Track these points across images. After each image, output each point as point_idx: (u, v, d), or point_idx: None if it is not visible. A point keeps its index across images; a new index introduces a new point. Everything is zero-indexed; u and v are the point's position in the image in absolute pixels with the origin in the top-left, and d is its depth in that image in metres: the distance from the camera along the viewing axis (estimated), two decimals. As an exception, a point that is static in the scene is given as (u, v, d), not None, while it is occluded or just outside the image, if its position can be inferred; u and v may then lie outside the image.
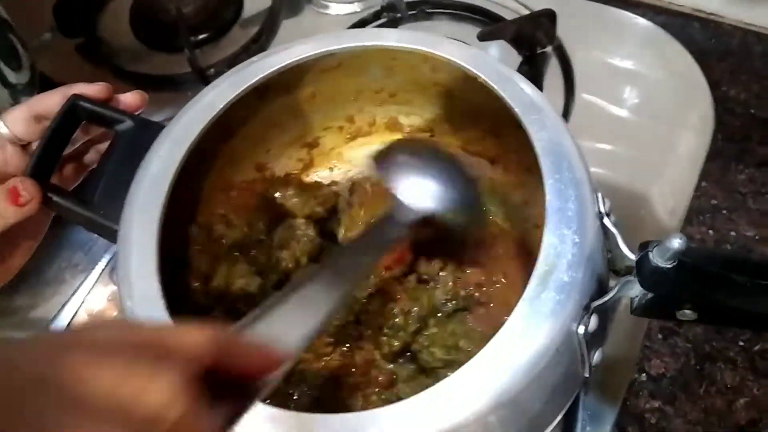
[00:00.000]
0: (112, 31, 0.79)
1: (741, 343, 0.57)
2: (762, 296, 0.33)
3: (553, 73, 0.67)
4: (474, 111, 0.49)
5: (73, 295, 0.59)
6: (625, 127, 0.65)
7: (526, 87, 0.40)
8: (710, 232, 0.63)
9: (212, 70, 0.72)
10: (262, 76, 0.44)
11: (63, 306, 0.58)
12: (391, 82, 0.52)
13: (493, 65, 0.41)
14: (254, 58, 0.46)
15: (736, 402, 0.55)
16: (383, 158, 0.45)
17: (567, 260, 0.34)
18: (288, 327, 0.29)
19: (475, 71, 0.41)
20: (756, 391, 0.55)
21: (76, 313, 0.58)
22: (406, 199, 0.41)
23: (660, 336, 0.59)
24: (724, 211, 0.64)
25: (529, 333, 0.32)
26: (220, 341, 0.25)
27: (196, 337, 0.24)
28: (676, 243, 0.31)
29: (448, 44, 0.44)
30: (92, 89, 0.45)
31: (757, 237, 0.62)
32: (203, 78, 0.71)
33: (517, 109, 0.39)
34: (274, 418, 0.32)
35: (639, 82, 0.68)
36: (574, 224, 0.35)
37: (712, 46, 0.72)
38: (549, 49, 0.67)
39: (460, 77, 0.43)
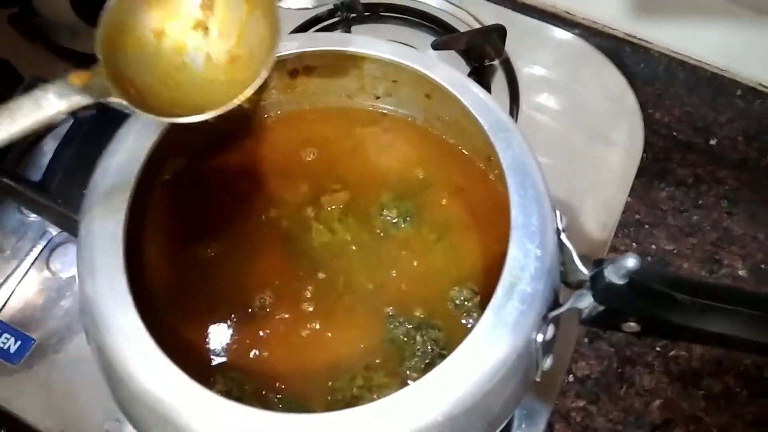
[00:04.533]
0: (49, 2, 0.75)
1: (658, 349, 0.62)
2: (700, 314, 0.36)
3: (498, 86, 0.70)
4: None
5: (5, 281, 0.56)
6: (563, 142, 0.69)
7: (496, 107, 0.42)
8: (633, 244, 0.68)
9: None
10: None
11: (-5, 291, 0.55)
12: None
13: (463, 81, 0.43)
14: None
15: (652, 403, 0.60)
16: None
17: (530, 273, 0.36)
18: None
19: (448, 87, 0.43)
20: (670, 393, 0.60)
21: (7, 299, 0.55)
22: None
23: (586, 340, 0.63)
24: (647, 226, 0.69)
25: (494, 341, 0.34)
26: None
27: None
28: (630, 263, 0.34)
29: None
30: None
31: (675, 251, 0.67)
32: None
33: (486, 127, 0.41)
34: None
35: (577, 100, 0.71)
36: (537, 239, 0.37)
37: (641, 70, 0.77)
38: (496, 62, 0.70)
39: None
